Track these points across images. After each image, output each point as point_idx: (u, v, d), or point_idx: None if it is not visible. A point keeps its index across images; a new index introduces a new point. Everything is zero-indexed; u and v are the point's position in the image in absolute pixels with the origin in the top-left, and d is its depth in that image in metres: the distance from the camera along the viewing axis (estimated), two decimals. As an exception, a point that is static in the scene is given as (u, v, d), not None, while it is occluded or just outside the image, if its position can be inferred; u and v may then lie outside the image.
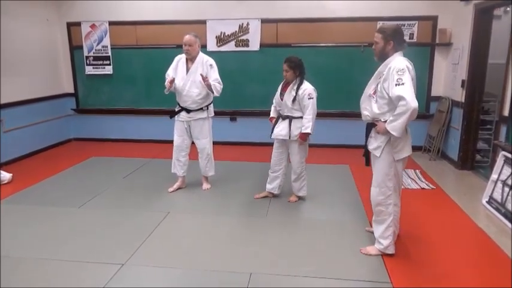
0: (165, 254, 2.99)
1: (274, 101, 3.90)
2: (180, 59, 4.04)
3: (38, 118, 5.87)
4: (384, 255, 2.91)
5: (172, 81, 3.91)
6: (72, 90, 6.49)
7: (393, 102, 2.63)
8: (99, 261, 2.88)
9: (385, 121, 2.69)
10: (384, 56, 2.76)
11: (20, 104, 5.47)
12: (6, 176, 4.53)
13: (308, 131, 3.61)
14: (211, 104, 4.17)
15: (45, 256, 2.96)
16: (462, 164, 4.98)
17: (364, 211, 3.71)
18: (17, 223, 3.51)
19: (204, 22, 5.86)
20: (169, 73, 4.04)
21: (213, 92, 3.94)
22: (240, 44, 5.89)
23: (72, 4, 6.17)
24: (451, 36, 5.41)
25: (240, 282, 2.62)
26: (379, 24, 5.40)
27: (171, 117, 4.21)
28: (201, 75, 3.85)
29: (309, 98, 3.57)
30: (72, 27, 6.25)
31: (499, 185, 3.72)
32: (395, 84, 2.57)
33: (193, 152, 4.29)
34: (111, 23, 6.11)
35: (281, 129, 3.75)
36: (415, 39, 5.54)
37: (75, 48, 6.32)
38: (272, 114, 3.94)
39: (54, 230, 3.38)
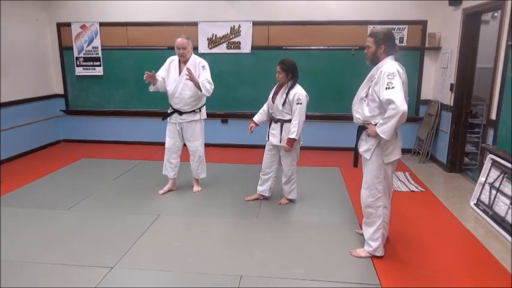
0: (155, 257, 2.97)
1: (265, 105, 3.90)
2: (173, 61, 4.02)
3: (27, 119, 5.80)
4: (373, 257, 2.94)
5: (152, 76, 3.83)
6: (61, 91, 6.43)
7: (384, 106, 2.66)
8: (87, 264, 2.85)
9: (376, 124, 2.71)
10: (375, 60, 2.78)
11: (9, 104, 5.40)
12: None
13: (293, 136, 3.58)
14: (204, 107, 4.16)
15: (33, 259, 2.92)
16: (451, 167, 5.04)
17: (354, 213, 3.73)
18: (4, 225, 3.45)
19: (195, 24, 5.85)
20: (160, 73, 4.02)
21: (201, 90, 3.85)
22: (232, 46, 5.89)
23: (62, 4, 6.12)
24: (440, 41, 5.48)
25: (230, 284, 2.62)
26: (370, 28, 5.48)
27: (163, 119, 4.20)
28: (187, 68, 3.76)
29: (297, 103, 3.57)
30: (62, 27, 6.19)
31: (487, 187, 3.77)
32: (386, 88, 2.60)
33: (184, 153, 4.27)
34: (101, 24, 6.07)
35: (273, 135, 3.76)
36: (404, 43, 5.60)
37: (65, 49, 6.27)
38: (255, 117, 3.93)
39: (43, 233, 3.34)
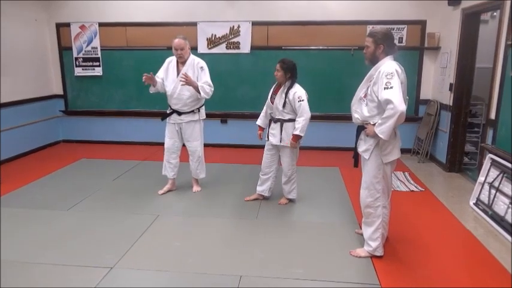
0: (155, 257, 2.97)
1: (265, 107, 3.90)
2: (171, 61, 4.02)
3: (26, 119, 5.79)
4: (373, 257, 2.94)
5: (151, 77, 3.84)
6: (61, 92, 6.42)
7: (382, 106, 2.66)
8: (87, 264, 2.85)
9: (375, 124, 2.72)
10: (374, 60, 2.78)
11: (8, 105, 5.39)
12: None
13: (297, 132, 3.60)
14: (203, 107, 4.16)
15: (33, 259, 2.92)
16: (450, 167, 5.04)
17: (354, 213, 3.73)
18: (4, 226, 3.45)
19: (195, 24, 5.85)
20: (159, 74, 4.03)
21: (199, 93, 3.86)
22: (231, 47, 5.90)
23: (61, 5, 6.11)
24: (439, 40, 5.48)
25: (230, 284, 2.62)
26: (369, 28, 5.48)
27: (162, 120, 4.20)
28: (184, 74, 3.75)
29: (299, 101, 3.58)
30: (62, 28, 6.19)
31: (486, 187, 3.78)
32: (384, 88, 2.60)
33: (184, 154, 4.27)
34: (101, 24, 6.07)
35: (273, 135, 3.76)
36: (404, 43, 5.60)
37: (64, 49, 6.26)
38: (259, 121, 3.95)
39: (42, 233, 3.34)
